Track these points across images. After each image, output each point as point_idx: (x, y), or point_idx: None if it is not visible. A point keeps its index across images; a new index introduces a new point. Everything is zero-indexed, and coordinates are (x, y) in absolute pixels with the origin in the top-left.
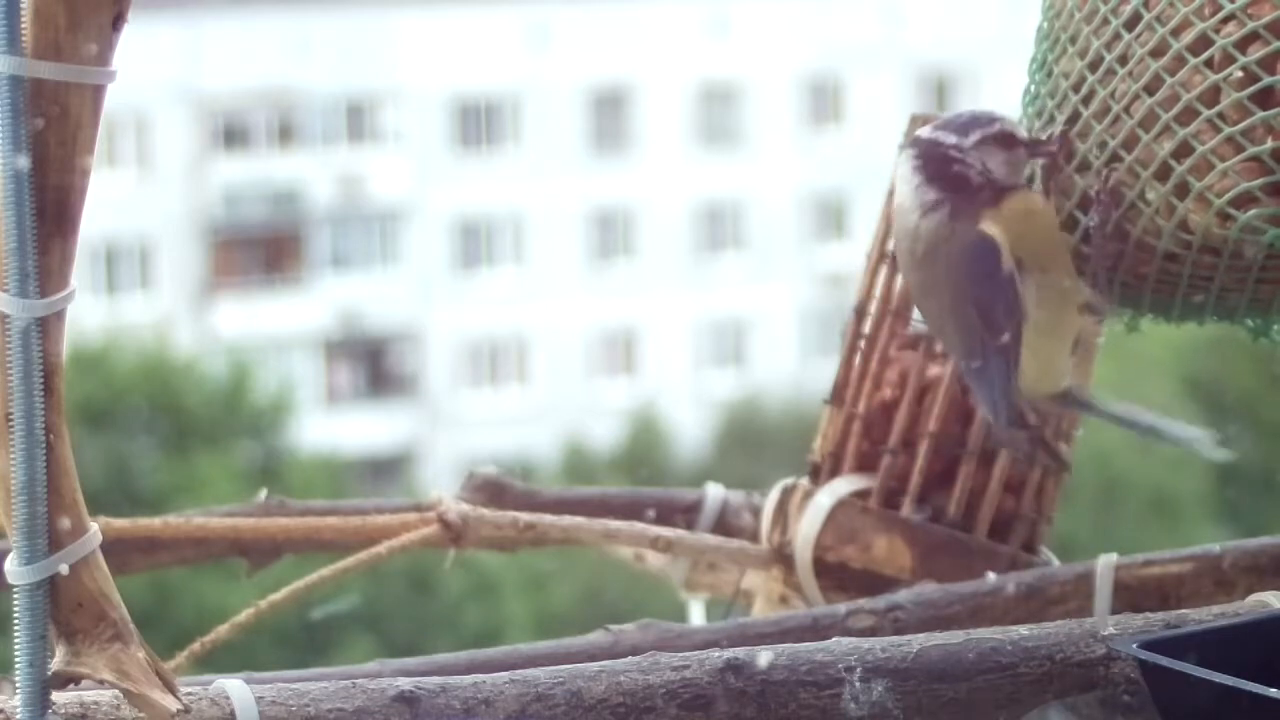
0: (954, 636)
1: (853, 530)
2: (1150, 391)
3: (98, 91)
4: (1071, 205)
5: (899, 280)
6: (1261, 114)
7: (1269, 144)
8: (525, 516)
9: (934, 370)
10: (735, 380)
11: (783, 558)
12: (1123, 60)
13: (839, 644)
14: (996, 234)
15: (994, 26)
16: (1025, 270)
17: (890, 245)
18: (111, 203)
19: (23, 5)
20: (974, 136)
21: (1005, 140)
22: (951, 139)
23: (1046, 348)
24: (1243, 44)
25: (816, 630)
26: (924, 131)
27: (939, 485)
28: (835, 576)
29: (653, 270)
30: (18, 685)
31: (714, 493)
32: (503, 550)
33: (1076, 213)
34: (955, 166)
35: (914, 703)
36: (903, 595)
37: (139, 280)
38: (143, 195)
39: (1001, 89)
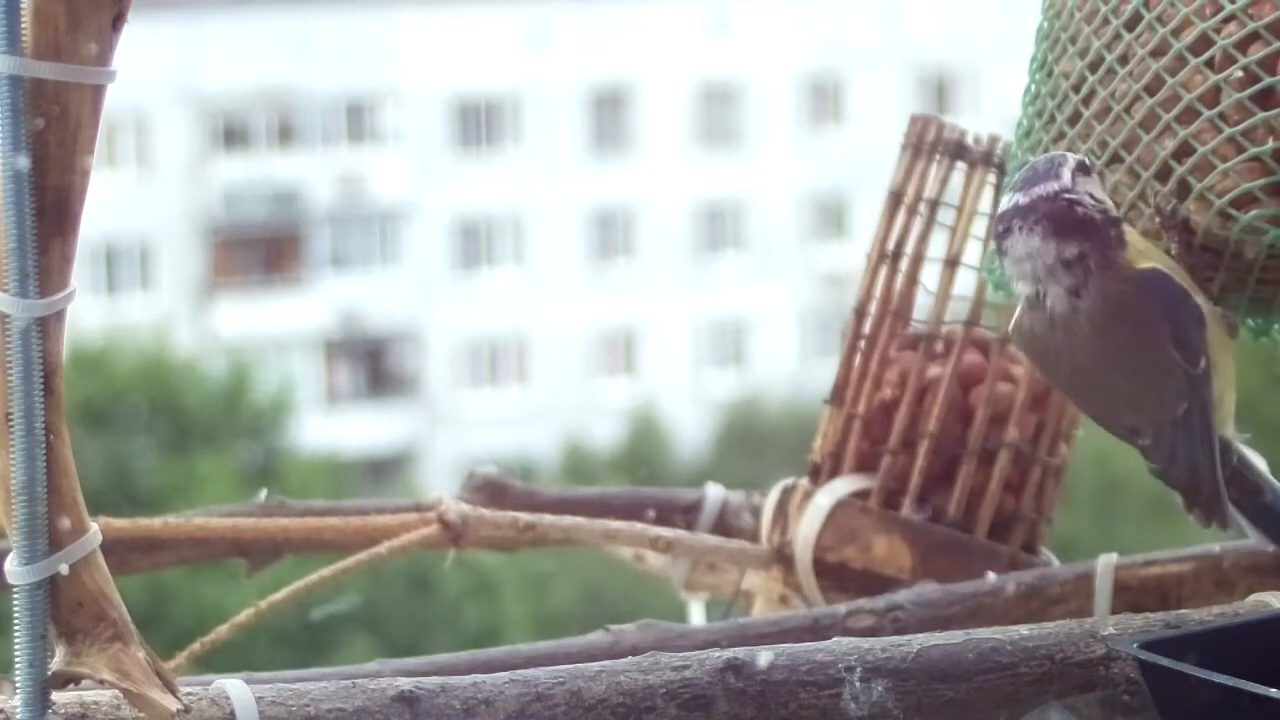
0: (954, 636)
1: (853, 530)
2: None
3: (98, 91)
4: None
5: (900, 282)
6: (1262, 114)
7: (1270, 144)
8: (525, 516)
9: (934, 370)
10: (735, 380)
11: (783, 558)
12: (1123, 60)
13: (839, 644)
14: (1153, 264)
15: (994, 26)
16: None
17: (895, 243)
18: (111, 203)
19: (23, 5)
20: (1066, 174)
21: (1085, 168)
22: (1054, 185)
23: (1221, 383)
24: (1243, 44)
25: (816, 630)
26: (1018, 198)
27: (939, 485)
28: (835, 576)
29: (653, 270)
30: (18, 685)
31: (714, 493)
32: (503, 550)
33: None
34: (1079, 210)
35: (914, 703)
36: (903, 595)
37: (139, 280)
38: (143, 195)
39: (1001, 89)
